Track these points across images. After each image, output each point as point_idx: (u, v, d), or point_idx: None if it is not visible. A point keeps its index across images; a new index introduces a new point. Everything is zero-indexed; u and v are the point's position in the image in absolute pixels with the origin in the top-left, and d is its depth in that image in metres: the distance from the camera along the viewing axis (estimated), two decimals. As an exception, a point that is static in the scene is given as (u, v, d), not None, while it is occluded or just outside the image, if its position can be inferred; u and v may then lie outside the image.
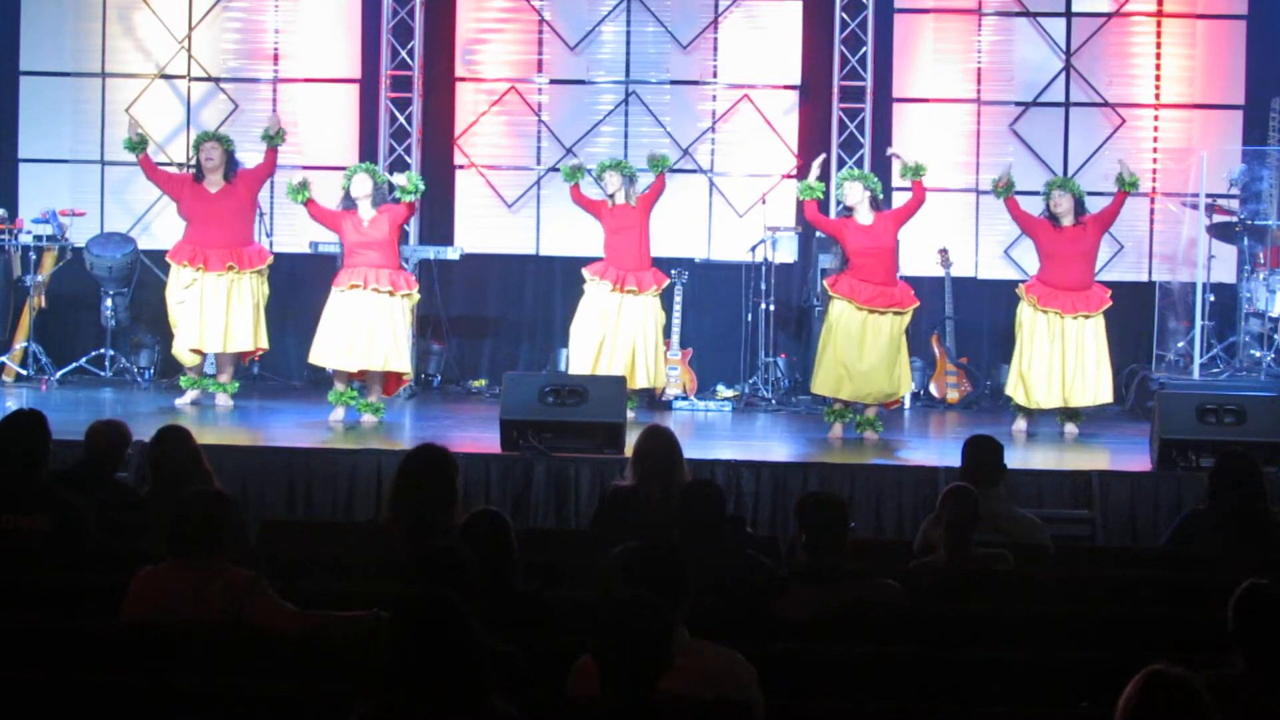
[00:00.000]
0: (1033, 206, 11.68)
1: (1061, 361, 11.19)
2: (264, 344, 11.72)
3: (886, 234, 11.02)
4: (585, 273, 11.66)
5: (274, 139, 11.50)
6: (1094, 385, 11.24)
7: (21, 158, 13.83)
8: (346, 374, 11.11)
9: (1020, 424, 11.37)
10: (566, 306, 12.93)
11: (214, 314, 11.38)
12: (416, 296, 11.37)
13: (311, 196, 11.03)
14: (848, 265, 11.02)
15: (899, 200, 12.95)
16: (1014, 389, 11.41)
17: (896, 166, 11.31)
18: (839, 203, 11.29)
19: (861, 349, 10.86)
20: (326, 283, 11.34)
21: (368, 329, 10.95)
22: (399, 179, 11.08)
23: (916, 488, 9.23)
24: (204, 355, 11.65)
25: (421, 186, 11.17)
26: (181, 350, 11.54)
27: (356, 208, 10.99)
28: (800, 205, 11.50)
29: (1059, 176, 11.83)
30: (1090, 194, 12.35)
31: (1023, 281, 11.70)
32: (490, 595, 5.02)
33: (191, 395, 11.61)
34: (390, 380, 11.31)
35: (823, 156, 11.75)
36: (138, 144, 11.53)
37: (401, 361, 11.09)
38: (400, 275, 11.11)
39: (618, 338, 11.45)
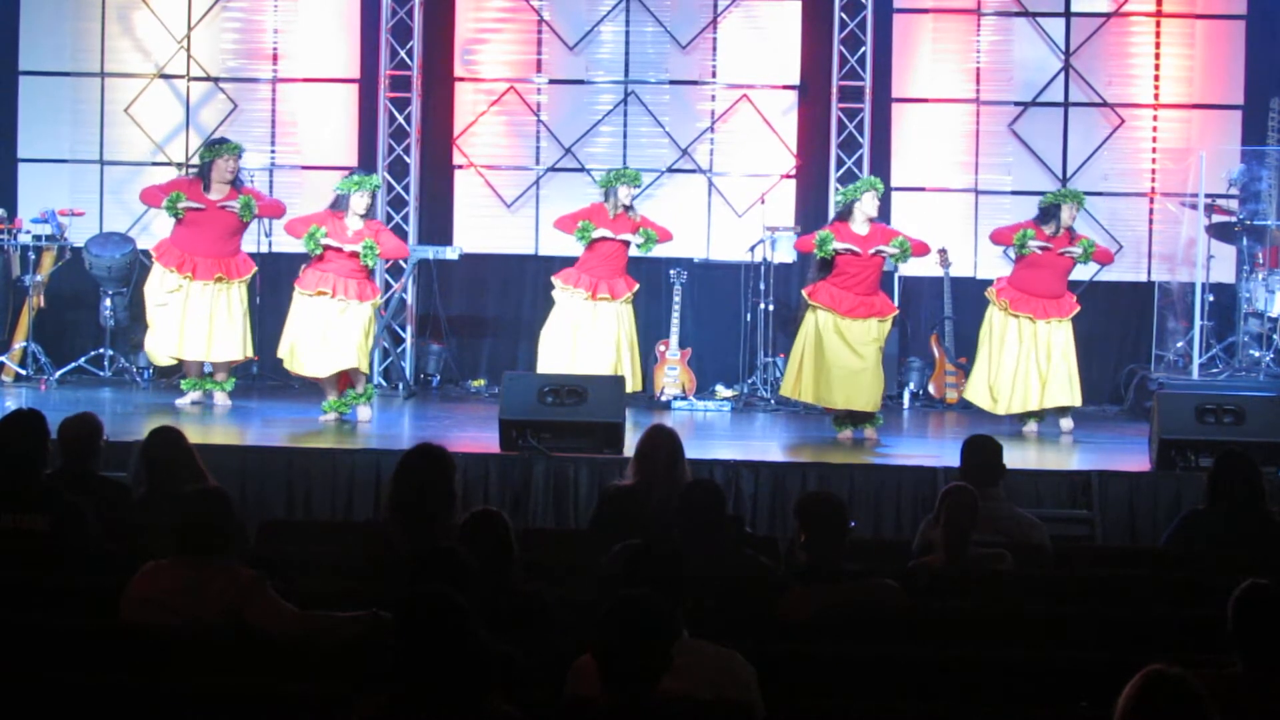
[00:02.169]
0: (1031, 206, 11.72)
1: (1035, 364, 11.17)
2: (251, 352, 11.75)
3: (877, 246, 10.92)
4: (556, 281, 11.59)
5: (247, 212, 11.39)
6: (1065, 388, 11.22)
7: (21, 157, 13.82)
8: (334, 382, 11.11)
9: (1031, 425, 11.35)
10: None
11: (197, 323, 11.35)
12: (379, 301, 11.45)
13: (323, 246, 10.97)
14: (830, 271, 10.92)
15: (897, 208, 12.97)
16: (976, 393, 11.36)
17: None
18: (839, 206, 11.20)
19: (844, 357, 10.80)
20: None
21: (333, 335, 10.90)
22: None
23: (916, 488, 9.23)
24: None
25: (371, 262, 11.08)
26: (158, 352, 11.53)
27: (345, 211, 10.95)
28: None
29: (1073, 190, 11.70)
30: (1090, 194, 12.37)
31: (991, 283, 11.64)
32: (490, 595, 5.02)
33: (193, 396, 11.61)
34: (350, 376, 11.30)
35: None
36: (176, 212, 11.41)
37: (364, 361, 11.09)
38: (367, 285, 11.06)
39: (594, 345, 11.37)
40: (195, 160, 12.37)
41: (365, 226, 10.95)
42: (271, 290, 12.57)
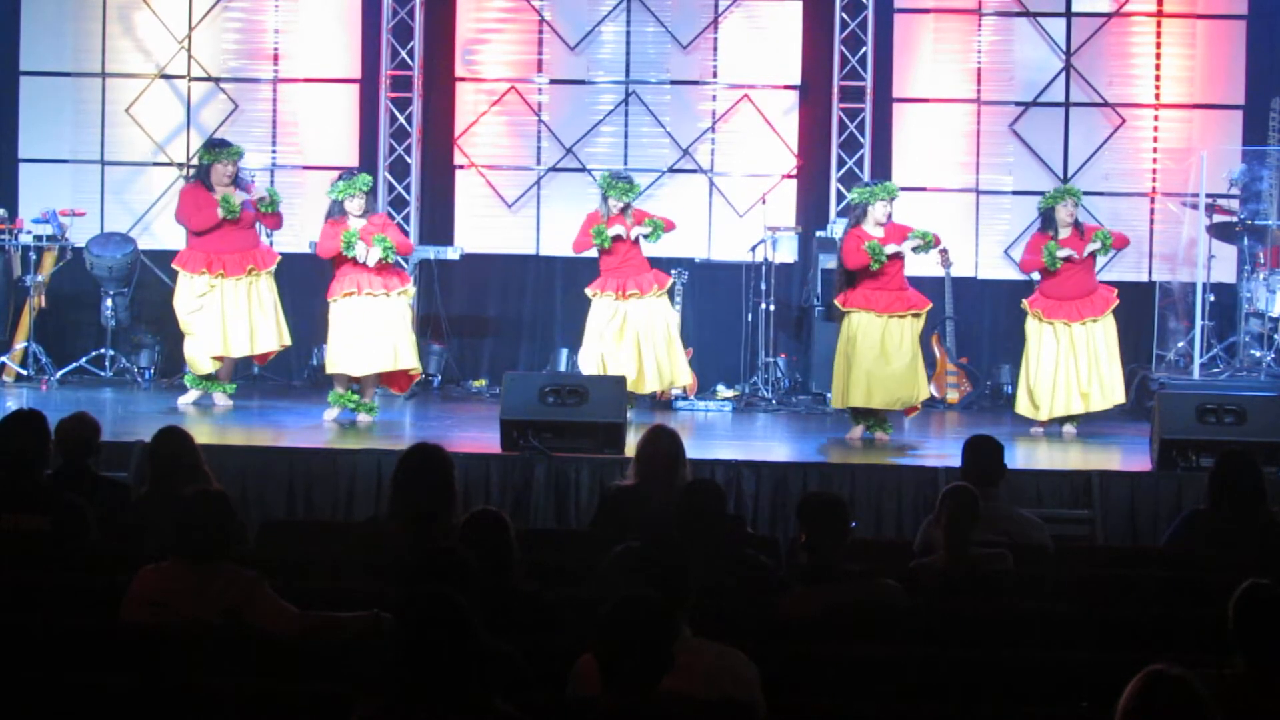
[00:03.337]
0: (1031, 205, 11.71)
1: (1076, 369, 11.16)
2: (287, 340, 11.76)
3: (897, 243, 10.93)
4: (587, 292, 11.59)
5: (271, 204, 11.47)
6: (1108, 388, 11.23)
7: (22, 158, 13.83)
8: (347, 377, 11.14)
9: (1037, 428, 11.33)
10: (566, 306, 12.96)
11: (237, 319, 11.40)
12: (412, 290, 11.42)
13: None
14: (861, 277, 10.86)
15: (898, 208, 12.92)
16: (1022, 405, 11.36)
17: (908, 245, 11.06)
18: (854, 204, 11.13)
19: (886, 355, 10.79)
20: (326, 282, 11.32)
21: (372, 333, 10.96)
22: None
23: (916, 488, 9.22)
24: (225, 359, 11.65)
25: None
26: (201, 357, 11.51)
27: (345, 216, 10.98)
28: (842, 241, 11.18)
29: (1064, 187, 11.72)
30: (1090, 194, 12.38)
31: (1026, 296, 11.62)
32: (490, 595, 5.02)
33: (194, 395, 11.62)
34: (400, 377, 11.32)
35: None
36: (234, 210, 11.41)
37: (410, 358, 11.12)
38: (392, 275, 11.12)
39: (621, 344, 11.40)
40: (195, 159, 12.30)
41: (369, 222, 10.99)
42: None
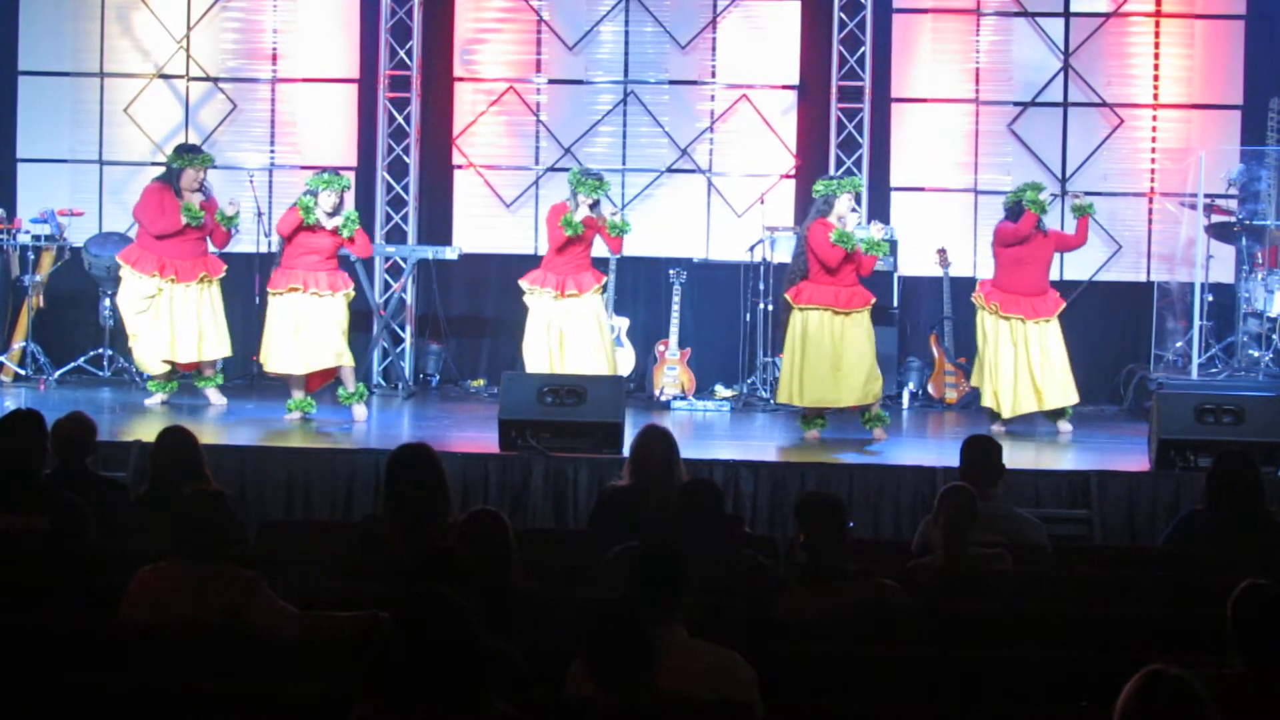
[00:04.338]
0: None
1: (1029, 366, 11.14)
2: (229, 350, 11.80)
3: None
4: (523, 284, 11.49)
5: (231, 220, 11.48)
6: (1063, 386, 11.21)
7: (20, 157, 13.82)
8: (302, 380, 11.16)
9: (998, 426, 11.30)
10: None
11: (186, 324, 11.45)
12: (352, 293, 11.31)
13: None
14: (809, 272, 10.82)
15: (896, 208, 12.93)
16: (991, 399, 11.33)
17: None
18: (819, 197, 11.04)
19: (845, 351, 10.74)
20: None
21: (314, 330, 10.99)
22: (335, 220, 11.04)
23: (915, 488, 9.23)
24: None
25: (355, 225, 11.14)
26: (150, 360, 11.55)
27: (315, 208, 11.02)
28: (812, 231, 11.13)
29: (1028, 183, 11.70)
30: (1089, 194, 12.36)
31: (979, 287, 11.61)
32: (489, 595, 5.03)
33: (159, 397, 11.64)
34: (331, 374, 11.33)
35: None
36: (197, 216, 11.40)
37: (348, 356, 11.16)
38: (338, 275, 11.14)
39: (566, 343, 11.33)
40: (165, 160, 12.19)
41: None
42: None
